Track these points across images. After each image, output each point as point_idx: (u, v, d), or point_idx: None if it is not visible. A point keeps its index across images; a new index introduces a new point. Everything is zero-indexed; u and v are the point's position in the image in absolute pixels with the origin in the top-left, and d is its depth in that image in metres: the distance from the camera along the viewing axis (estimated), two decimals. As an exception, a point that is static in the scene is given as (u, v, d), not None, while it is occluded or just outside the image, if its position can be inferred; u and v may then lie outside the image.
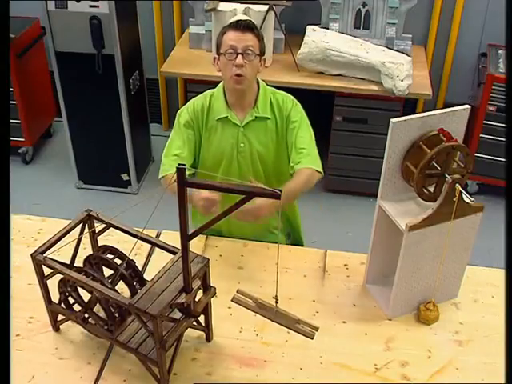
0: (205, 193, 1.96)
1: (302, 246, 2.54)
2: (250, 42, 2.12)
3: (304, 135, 2.24)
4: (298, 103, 2.30)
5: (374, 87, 3.49)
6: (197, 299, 1.73)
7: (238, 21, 2.15)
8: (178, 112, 2.32)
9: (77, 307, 1.82)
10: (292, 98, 2.31)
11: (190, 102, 2.33)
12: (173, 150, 2.24)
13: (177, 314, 1.73)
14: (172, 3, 4.17)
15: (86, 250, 1.93)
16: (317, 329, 1.69)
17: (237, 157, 2.27)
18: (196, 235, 1.54)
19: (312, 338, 1.69)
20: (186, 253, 1.56)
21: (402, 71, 3.36)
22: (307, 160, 2.18)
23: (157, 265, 1.97)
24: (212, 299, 1.79)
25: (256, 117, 2.23)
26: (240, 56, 2.11)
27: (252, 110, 2.24)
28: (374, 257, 2.04)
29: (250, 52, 2.12)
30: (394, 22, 3.65)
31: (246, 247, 2.28)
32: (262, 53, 2.18)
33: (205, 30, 3.81)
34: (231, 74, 2.14)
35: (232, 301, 1.72)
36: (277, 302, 1.66)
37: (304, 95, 3.56)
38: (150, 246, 2.06)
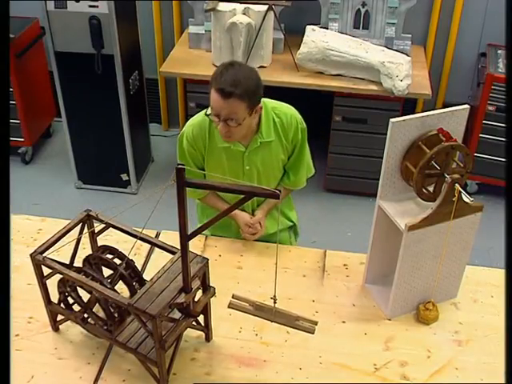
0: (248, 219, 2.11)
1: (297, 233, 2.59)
2: (234, 108, 1.95)
3: (301, 151, 2.28)
4: (299, 119, 2.23)
5: (374, 87, 3.49)
6: (196, 299, 1.73)
7: (220, 85, 1.94)
8: (179, 138, 2.23)
9: (76, 307, 1.82)
10: (293, 111, 2.23)
11: (186, 126, 2.21)
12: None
13: (176, 314, 1.73)
14: (171, 3, 4.17)
15: (85, 250, 1.93)
16: (316, 323, 1.69)
17: (242, 178, 2.23)
18: (195, 235, 1.54)
19: (313, 333, 1.69)
20: (185, 253, 1.56)
21: (402, 71, 3.36)
22: (292, 182, 2.35)
23: (156, 265, 1.98)
24: (211, 299, 1.80)
25: (260, 142, 2.17)
26: (223, 124, 1.99)
27: (256, 135, 2.16)
28: (374, 257, 2.04)
29: (233, 119, 1.98)
30: (393, 22, 3.65)
31: (245, 247, 2.28)
32: (251, 109, 2.01)
33: (204, 29, 3.81)
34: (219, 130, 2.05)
35: (229, 307, 1.72)
36: (275, 302, 1.66)
37: (303, 95, 3.59)
38: (149, 245, 2.06)
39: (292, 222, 2.52)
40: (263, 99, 2.15)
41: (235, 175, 2.21)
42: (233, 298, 1.74)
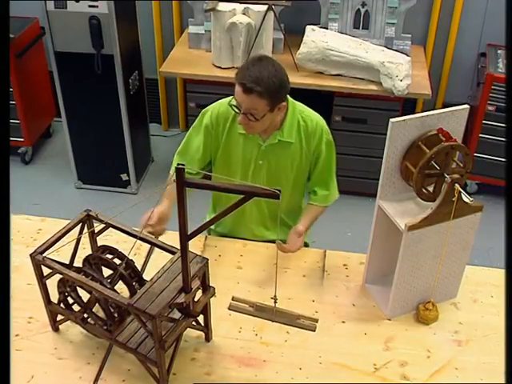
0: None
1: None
2: (254, 104, 1.97)
3: (328, 167, 2.25)
4: (326, 130, 2.20)
5: (374, 87, 3.49)
6: (196, 299, 1.73)
7: (243, 79, 1.95)
8: (203, 111, 2.24)
9: (76, 307, 1.82)
10: (321, 121, 2.20)
11: (217, 103, 2.23)
12: (188, 150, 2.22)
13: (176, 314, 1.73)
14: (171, 3, 4.17)
15: (85, 250, 1.93)
16: (317, 321, 1.69)
17: (252, 172, 2.22)
18: (195, 235, 1.54)
19: (314, 331, 1.69)
20: (185, 253, 1.56)
21: (402, 71, 3.36)
22: (322, 197, 2.30)
23: (156, 265, 1.98)
24: (211, 299, 1.79)
25: (279, 140, 2.15)
26: (243, 116, 2.01)
27: (277, 132, 2.15)
28: (374, 257, 2.04)
29: (252, 114, 1.99)
30: (393, 22, 3.65)
31: (245, 247, 2.28)
32: (273, 107, 2.01)
33: (204, 29, 3.81)
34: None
35: (229, 309, 1.72)
36: (275, 302, 1.66)
37: (303, 95, 3.57)
38: (149, 245, 2.06)
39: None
40: (294, 101, 2.16)
41: (246, 165, 2.21)
42: (233, 300, 1.74)
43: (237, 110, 2.03)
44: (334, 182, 2.32)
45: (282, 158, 2.20)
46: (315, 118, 2.20)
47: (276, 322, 1.71)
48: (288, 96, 2.13)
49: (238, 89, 1.99)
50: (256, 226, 2.38)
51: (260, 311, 1.66)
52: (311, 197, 2.33)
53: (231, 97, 2.14)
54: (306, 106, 2.23)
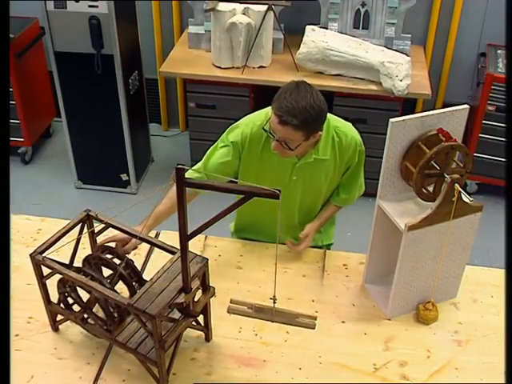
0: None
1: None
2: (289, 136, 1.92)
3: (356, 173, 2.24)
4: (359, 141, 2.16)
5: (373, 87, 3.49)
6: (196, 299, 1.73)
7: (279, 110, 1.88)
8: (231, 127, 2.15)
9: (76, 307, 1.82)
10: (354, 133, 2.15)
11: (248, 121, 2.12)
12: (207, 165, 2.12)
13: (176, 314, 1.73)
14: (171, 3, 4.17)
15: (85, 250, 1.93)
16: (315, 318, 1.69)
17: (287, 186, 2.16)
18: (195, 235, 1.54)
19: (314, 328, 1.69)
20: (185, 253, 1.56)
21: (401, 71, 3.36)
22: (342, 200, 2.31)
23: (156, 265, 1.98)
24: (211, 299, 1.80)
25: (314, 158, 2.11)
26: (277, 143, 1.96)
27: (312, 150, 2.09)
28: (374, 257, 2.04)
29: (286, 143, 1.95)
30: (393, 22, 3.65)
31: (244, 247, 2.28)
32: (308, 136, 1.95)
33: (204, 29, 3.81)
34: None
35: (228, 312, 1.72)
36: (274, 302, 1.65)
37: (303, 95, 3.59)
38: (149, 245, 2.06)
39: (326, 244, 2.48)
40: (328, 116, 2.07)
41: (280, 182, 2.11)
42: (231, 302, 1.74)
43: (271, 136, 1.98)
44: (358, 186, 2.29)
45: (316, 173, 2.17)
46: (350, 132, 2.15)
47: (276, 322, 1.71)
48: None
49: (273, 117, 1.92)
50: (285, 235, 2.31)
51: (259, 312, 1.66)
52: (332, 196, 2.32)
53: (263, 115, 2.09)
54: (339, 119, 2.17)
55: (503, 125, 3.67)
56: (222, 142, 2.15)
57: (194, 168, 2.06)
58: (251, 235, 2.40)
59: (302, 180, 2.18)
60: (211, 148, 2.17)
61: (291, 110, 1.87)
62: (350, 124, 2.18)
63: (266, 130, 2.00)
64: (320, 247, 2.40)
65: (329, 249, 2.48)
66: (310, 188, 2.20)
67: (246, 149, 2.12)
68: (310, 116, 1.89)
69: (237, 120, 2.18)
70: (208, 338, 1.88)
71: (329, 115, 2.09)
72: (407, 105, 3.90)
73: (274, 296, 1.63)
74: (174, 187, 1.80)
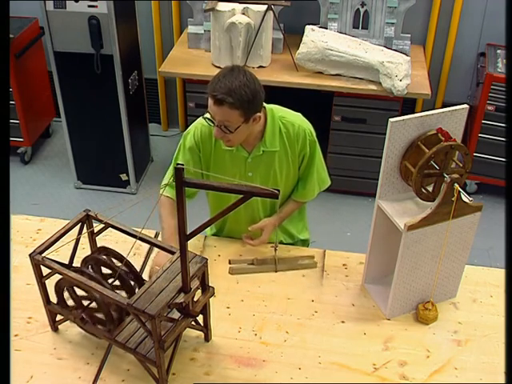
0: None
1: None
2: (227, 116, 1.93)
3: (308, 165, 2.23)
4: (308, 131, 2.16)
5: (373, 87, 3.49)
6: (195, 299, 1.73)
7: (214, 91, 1.91)
8: (184, 134, 2.21)
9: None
10: (302, 122, 2.17)
11: (197, 123, 2.18)
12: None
13: (175, 314, 1.73)
14: (171, 3, 4.17)
15: (84, 250, 1.93)
16: (313, 257, 1.67)
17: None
18: (194, 235, 1.54)
19: (315, 267, 1.80)
20: (184, 252, 1.56)
21: (401, 71, 3.36)
22: (299, 194, 2.30)
23: (155, 265, 1.98)
24: (210, 299, 1.79)
25: (263, 151, 2.13)
26: (217, 128, 1.98)
27: (259, 143, 2.12)
28: (373, 256, 2.04)
29: (226, 126, 1.96)
30: (392, 22, 3.65)
31: (244, 247, 2.28)
32: (247, 118, 1.97)
33: (203, 29, 3.81)
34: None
35: (231, 273, 1.70)
36: (276, 250, 1.62)
37: (303, 95, 3.59)
38: (148, 245, 2.06)
39: (301, 239, 2.48)
40: (272, 106, 2.11)
41: (238, 179, 2.17)
42: (230, 263, 1.71)
43: (210, 123, 2.00)
44: (316, 179, 2.28)
45: (269, 166, 2.18)
46: (297, 121, 2.16)
47: (279, 271, 1.68)
48: (266, 104, 2.09)
49: (210, 101, 1.95)
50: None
51: (262, 264, 1.65)
52: (293, 191, 2.33)
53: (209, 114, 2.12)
54: (286, 109, 2.18)
55: (503, 125, 3.67)
56: (179, 151, 2.21)
57: (167, 183, 2.11)
58: (219, 233, 2.42)
59: (258, 175, 2.20)
60: (174, 157, 2.22)
61: (227, 90, 1.90)
62: (298, 114, 2.20)
63: (205, 118, 2.02)
64: (293, 244, 2.41)
65: (307, 246, 2.51)
66: (267, 183, 2.20)
67: (201, 149, 2.17)
68: (245, 94, 1.91)
69: None
70: (207, 338, 1.88)
71: (274, 106, 2.13)
72: (407, 105, 3.90)
73: (276, 243, 1.59)
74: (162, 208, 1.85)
